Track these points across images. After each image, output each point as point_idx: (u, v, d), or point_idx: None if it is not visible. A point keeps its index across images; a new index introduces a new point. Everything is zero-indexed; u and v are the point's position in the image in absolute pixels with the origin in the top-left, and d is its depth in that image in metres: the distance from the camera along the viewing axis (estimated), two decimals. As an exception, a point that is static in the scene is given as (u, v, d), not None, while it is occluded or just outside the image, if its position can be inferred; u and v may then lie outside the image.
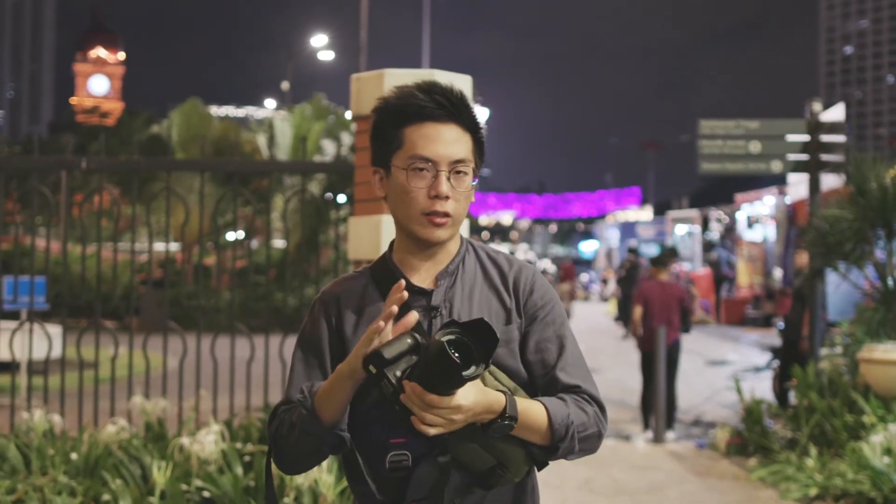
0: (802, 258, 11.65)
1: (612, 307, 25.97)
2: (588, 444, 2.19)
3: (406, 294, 2.02)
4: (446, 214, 2.18)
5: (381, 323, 2.00)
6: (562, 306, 2.35)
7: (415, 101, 2.19)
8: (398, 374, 1.95)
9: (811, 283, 10.39)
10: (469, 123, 2.23)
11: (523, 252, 44.45)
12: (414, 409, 1.95)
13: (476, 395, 1.99)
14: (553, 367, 2.24)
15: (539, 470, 2.25)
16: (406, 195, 2.19)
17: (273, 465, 2.29)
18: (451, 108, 2.19)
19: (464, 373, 1.87)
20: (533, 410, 2.10)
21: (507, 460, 2.12)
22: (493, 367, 2.15)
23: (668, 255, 12.23)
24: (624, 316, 24.15)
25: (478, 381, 2.03)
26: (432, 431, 1.97)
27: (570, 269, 33.52)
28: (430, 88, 2.20)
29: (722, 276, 29.69)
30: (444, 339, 1.88)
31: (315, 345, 2.27)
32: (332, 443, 2.12)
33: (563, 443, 2.13)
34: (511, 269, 2.31)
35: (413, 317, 2.02)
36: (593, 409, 2.21)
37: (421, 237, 2.20)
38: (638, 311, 11.06)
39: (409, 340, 1.97)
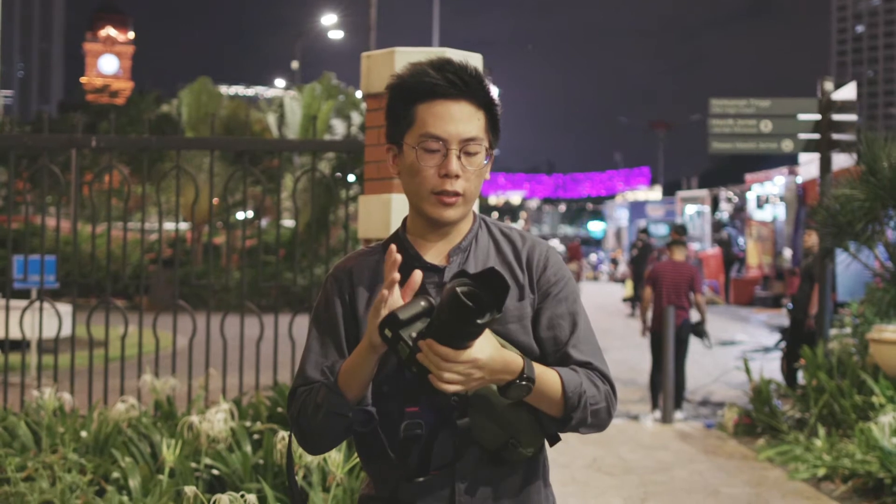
0: (810, 238, 11.62)
1: (628, 289, 25.86)
2: (598, 418, 2.18)
3: (399, 257, 2.01)
4: (456, 193, 2.17)
5: (385, 291, 2.00)
6: (574, 283, 2.34)
7: (427, 78, 2.17)
8: (413, 335, 1.94)
9: (821, 263, 10.37)
10: (482, 100, 2.21)
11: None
12: (431, 368, 1.93)
13: (492, 352, 1.98)
14: (565, 344, 2.24)
15: (550, 446, 2.25)
16: (416, 174, 2.18)
17: (294, 447, 2.29)
18: (463, 86, 2.17)
19: (478, 320, 1.86)
20: (548, 376, 2.10)
21: (519, 436, 2.12)
22: (504, 342, 2.14)
23: (684, 233, 12.19)
24: (638, 296, 24.15)
25: (494, 340, 2.02)
26: (451, 388, 1.94)
27: (577, 248, 33.50)
28: (443, 66, 2.19)
29: (733, 256, 29.63)
30: (457, 288, 1.88)
31: (329, 322, 2.27)
32: (361, 419, 2.12)
33: (575, 412, 2.12)
34: (524, 245, 2.30)
35: (418, 275, 2.03)
36: (605, 387, 2.21)
37: (431, 216, 2.19)
38: (648, 293, 11.05)
39: (422, 303, 1.97)
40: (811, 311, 11.12)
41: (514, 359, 2.03)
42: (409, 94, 2.20)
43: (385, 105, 2.29)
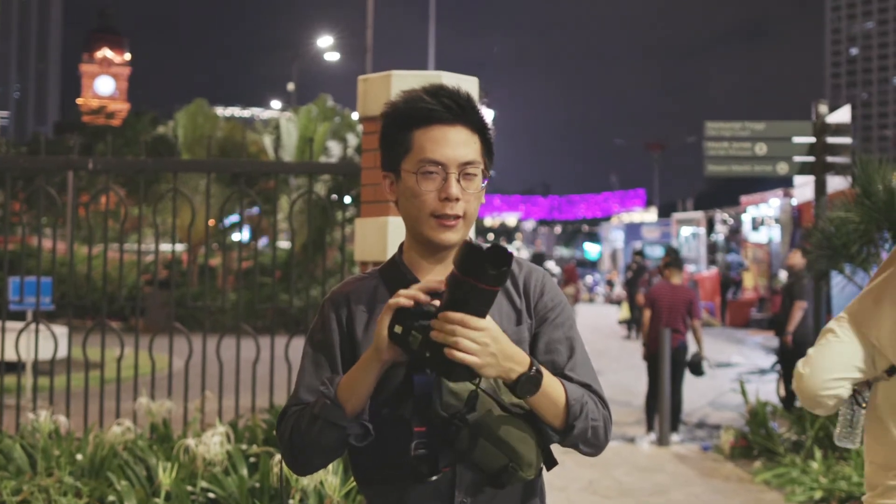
0: (794, 258, 11.71)
1: (624, 311, 25.82)
2: (596, 437, 2.21)
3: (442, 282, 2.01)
4: (457, 216, 2.19)
5: (402, 293, 2.02)
6: (570, 309, 2.37)
7: (422, 104, 2.20)
8: (423, 323, 1.97)
9: (816, 286, 10.38)
10: (477, 124, 2.24)
11: (514, 251, 44.72)
12: (447, 340, 1.93)
13: (503, 334, 2.00)
14: (563, 368, 2.26)
15: (548, 469, 2.26)
16: (416, 198, 2.19)
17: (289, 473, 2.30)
18: (459, 111, 2.20)
19: (490, 271, 1.88)
20: (552, 379, 2.13)
21: (519, 459, 2.13)
22: None
23: (678, 256, 12.19)
24: (634, 318, 24.14)
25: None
26: (468, 359, 1.94)
27: (573, 270, 33.44)
28: (437, 91, 2.21)
29: (730, 280, 29.71)
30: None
31: (325, 344, 2.27)
32: (357, 433, 2.12)
33: (577, 421, 2.14)
34: (521, 271, 2.33)
35: (436, 279, 2.05)
36: (603, 411, 2.23)
37: (432, 240, 2.21)
38: (647, 315, 11.06)
39: (428, 308, 2.00)
40: (788, 328, 11.20)
41: (520, 351, 2.05)
42: (406, 120, 2.22)
43: (380, 133, 2.31)
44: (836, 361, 3.02)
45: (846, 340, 3.03)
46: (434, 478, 2.09)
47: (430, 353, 1.97)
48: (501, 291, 2.28)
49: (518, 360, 2.04)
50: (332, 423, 2.11)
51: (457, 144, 2.19)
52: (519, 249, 45.96)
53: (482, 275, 1.89)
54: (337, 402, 2.11)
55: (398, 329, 1.98)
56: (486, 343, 1.96)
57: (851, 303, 3.12)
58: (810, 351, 3.10)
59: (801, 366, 3.08)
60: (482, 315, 1.95)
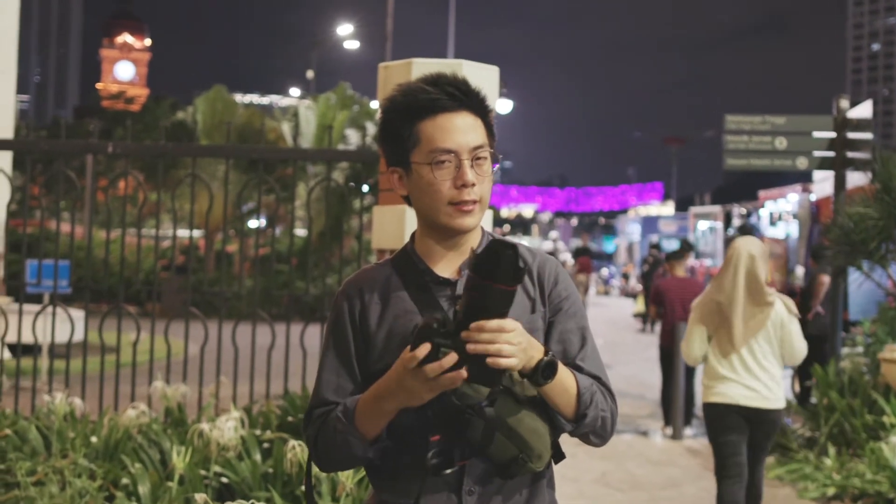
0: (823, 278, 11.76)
1: (639, 304, 25.77)
2: (604, 427, 2.25)
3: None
4: (474, 201, 2.19)
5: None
6: (580, 299, 2.38)
7: (424, 95, 2.20)
8: (442, 341, 1.96)
9: (834, 282, 10.34)
10: (479, 108, 2.25)
11: (551, 242, 44.44)
12: (489, 349, 1.93)
13: (515, 323, 2.00)
14: (574, 358, 2.29)
15: (556, 462, 2.27)
16: (431, 188, 2.20)
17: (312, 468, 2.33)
18: (462, 97, 2.22)
19: (515, 268, 1.89)
20: (564, 369, 2.15)
21: (529, 451, 2.13)
22: None
23: (683, 249, 12.14)
24: (649, 311, 24.06)
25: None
26: (513, 362, 1.96)
27: (587, 262, 33.33)
28: (437, 80, 2.22)
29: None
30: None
31: (340, 341, 2.29)
32: (377, 455, 2.19)
33: (588, 409, 2.18)
34: (535, 260, 2.34)
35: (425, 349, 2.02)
36: (611, 404, 2.27)
37: (452, 227, 2.21)
38: (653, 312, 11.05)
39: (437, 316, 2.00)
40: (814, 303, 11.30)
41: (532, 340, 2.07)
42: (409, 112, 2.22)
43: (380, 129, 2.31)
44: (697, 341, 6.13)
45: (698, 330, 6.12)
46: (449, 471, 2.10)
47: (470, 366, 1.96)
48: None
49: (536, 347, 2.06)
50: (352, 444, 2.17)
51: (465, 130, 2.20)
52: (555, 240, 45.86)
53: (502, 276, 1.90)
54: (356, 432, 2.15)
55: (427, 347, 1.96)
56: (521, 341, 1.98)
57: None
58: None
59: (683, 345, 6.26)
60: (505, 315, 1.96)
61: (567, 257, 32.07)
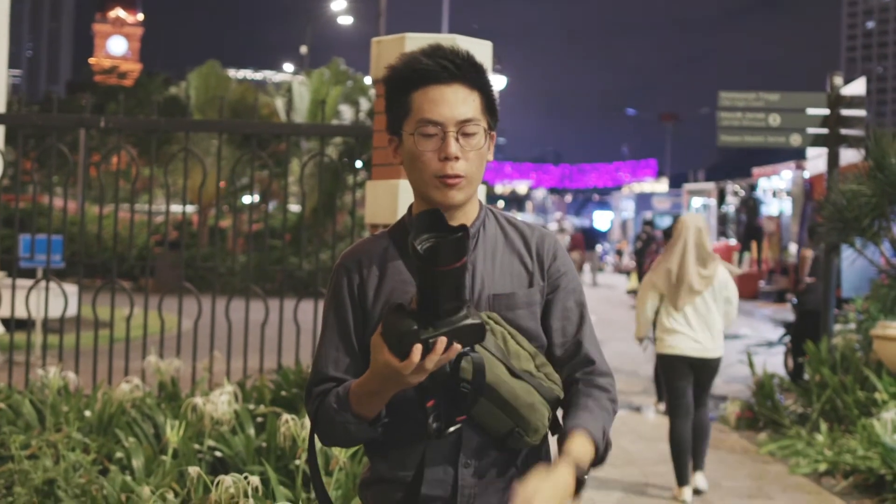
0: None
1: (633, 281, 25.78)
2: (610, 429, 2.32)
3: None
4: (458, 175, 2.18)
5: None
6: (578, 275, 2.39)
7: (419, 65, 2.20)
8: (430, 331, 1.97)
9: (826, 258, 10.36)
10: (476, 82, 2.23)
11: (555, 223, 44.40)
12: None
13: (550, 490, 2.05)
14: (574, 336, 2.31)
15: (553, 435, 2.28)
16: (417, 160, 2.20)
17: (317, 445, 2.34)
18: (455, 69, 2.20)
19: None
20: (583, 450, 2.18)
21: (525, 424, 2.15)
22: (514, 331, 2.19)
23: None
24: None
25: (546, 476, 2.08)
26: None
27: (580, 238, 33.30)
28: (434, 52, 2.21)
29: (757, 227, 28.06)
30: (416, 246, 1.93)
31: (338, 315, 2.29)
32: (381, 426, 2.20)
33: (606, 452, 2.26)
34: (533, 235, 2.34)
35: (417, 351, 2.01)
36: (611, 402, 2.32)
37: (437, 200, 2.20)
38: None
39: (404, 308, 2.01)
40: (802, 275, 11.79)
41: (563, 474, 2.09)
42: (404, 83, 2.22)
43: (384, 97, 2.31)
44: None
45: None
46: (451, 430, 2.10)
47: (455, 338, 1.97)
48: (513, 253, 2.29)
49: (567, 488, 2.09)
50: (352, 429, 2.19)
51: (454, 103, 2.19)
52: (560, 220, 45.82)
53: (442, 259, 1.89)
54: (354, 417, 2.16)
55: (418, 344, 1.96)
56: (551, 497, 2.02)
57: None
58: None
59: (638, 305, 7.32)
60: (460, 295, 1.96)
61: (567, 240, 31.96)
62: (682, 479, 7.13)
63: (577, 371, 2.30)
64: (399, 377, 2.00)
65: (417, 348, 1.95)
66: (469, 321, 1.97)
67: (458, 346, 1.97)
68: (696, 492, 7.20)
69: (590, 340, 2.32)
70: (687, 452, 7.13)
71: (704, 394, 7.26)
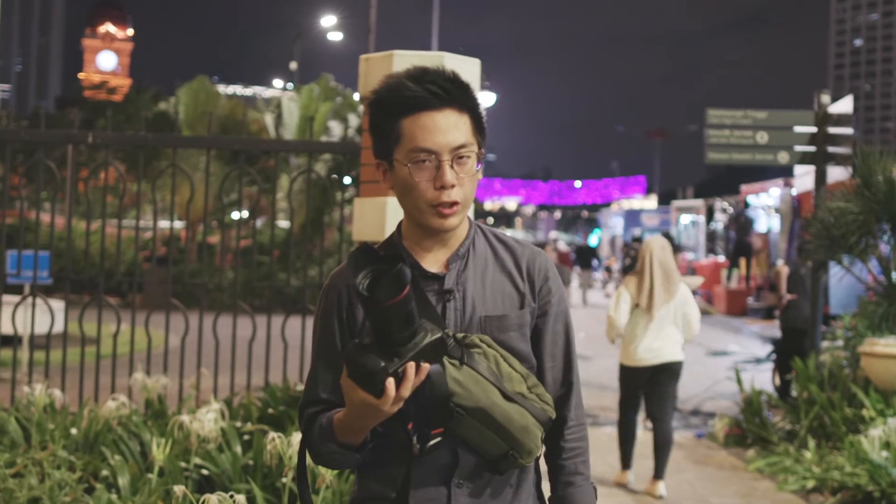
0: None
1: None
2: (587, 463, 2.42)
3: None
4: (454, 203, 2.16)
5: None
6: (565, 293, 2.41)
7: (407, 92, 2.15)
8: (396, 360, 1.97)
9: (814, 276, 10.39)
10: (465, 103, 2.19)
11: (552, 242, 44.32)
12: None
13: None
14: (562, 358, 2.34)
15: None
16: (412, 189, 2.17)
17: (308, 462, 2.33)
18: (445, 94, 2.15)
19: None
20: None
21: (519, 447, 2.14)
22: (506, 354, 2.18)
23: (674, 244, 12.24)
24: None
25: None
26: None
27: (566, 255, 33.28)
28: (421, 76, 2.17)
29: (747, 244, 28.03)
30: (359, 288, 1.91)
31: (327, 335, 2.28)
32: (367, 451, 2.19)
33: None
34: (524, 254, 2.32)
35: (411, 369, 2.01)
36: (583, 431, 2.39)
37: (433, 227, 2.19)
38: None
39: (363, 342, 2.00)
40: (780, 291, 11.81)
41: None
42: (391, 109, 2.17)
43: (368, 121, 2.27)
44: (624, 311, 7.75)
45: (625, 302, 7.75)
46: (431, 443, 2.08)
47: (422, 359, 1.98)
48: (503, 273, 2.27)
49: None
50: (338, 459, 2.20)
51: (446, 130, 2.15)
52: (556, 240, 45.79)
53: (385, 294, 1.88)
54: (338, 447, 2.16)
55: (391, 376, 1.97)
56: None
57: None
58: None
59: (611, 309, 7.85)
60: (412, 321, 1.94)
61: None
62: (626, 464, 8.10)
63: (564, 424, 2.35)
64: (378, 412, 2.00)
65: (390, 382, 1.94)
66: (429, 339, 1.96)
67: (426, 366, 1.97)
68: (659, 497, 7.74)
69: (570, 363, 2.35)
70: (632, 440, 8.08)
71: (667, 403, 7.96)
